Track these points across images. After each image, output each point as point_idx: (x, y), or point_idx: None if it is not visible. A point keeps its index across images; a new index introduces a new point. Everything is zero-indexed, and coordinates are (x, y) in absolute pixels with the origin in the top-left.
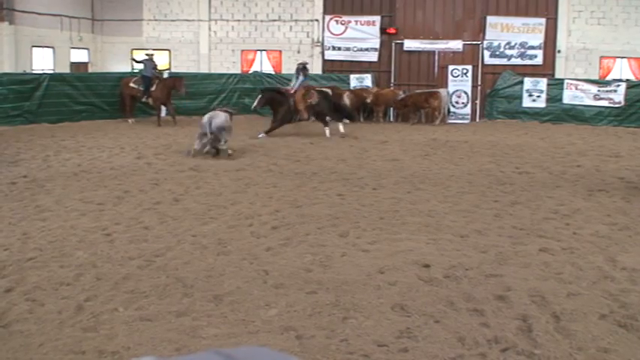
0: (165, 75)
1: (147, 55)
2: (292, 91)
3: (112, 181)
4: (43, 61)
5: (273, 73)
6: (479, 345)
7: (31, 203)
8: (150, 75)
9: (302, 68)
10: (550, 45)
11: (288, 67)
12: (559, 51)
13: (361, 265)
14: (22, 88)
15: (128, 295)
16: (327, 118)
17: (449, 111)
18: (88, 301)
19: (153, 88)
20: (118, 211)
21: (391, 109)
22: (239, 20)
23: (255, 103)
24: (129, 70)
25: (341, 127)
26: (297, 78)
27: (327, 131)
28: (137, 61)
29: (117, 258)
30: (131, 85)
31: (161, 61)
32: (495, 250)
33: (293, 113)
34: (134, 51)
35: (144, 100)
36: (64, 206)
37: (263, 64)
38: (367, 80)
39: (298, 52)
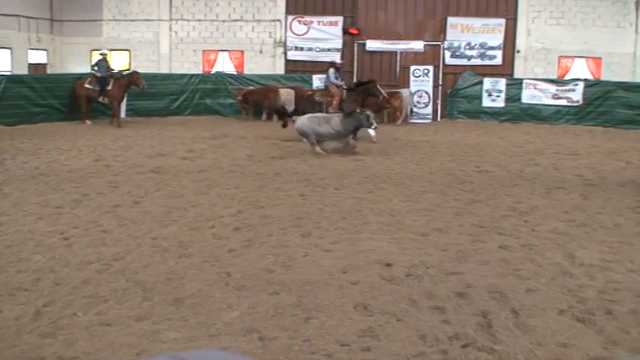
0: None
1: (101, 54)
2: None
3: (70, 184)
4: (0, 63)
5: (235, 73)
6: (440, 342)
7: None
8: (104, 75)
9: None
10: (509, 45)
11: (251, 68)
12: (518, 51)
13: (323, 265)
14: None
15: (87, 300)
16: None
17: (412, 111)
18: (47, 306)
19: (109, 88)
20: (76, 214)
21: None
22: (200, 20)
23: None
24: (88, 71)
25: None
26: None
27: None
28: (93, 67)
29: (75, 262)
30: (86, 85)
31: (121, 61)
32: (456, 248)
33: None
34: (93, 52)
35: (100, 100)
36: (22, 210)
37: (225, 65)
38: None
39: (260, 52)
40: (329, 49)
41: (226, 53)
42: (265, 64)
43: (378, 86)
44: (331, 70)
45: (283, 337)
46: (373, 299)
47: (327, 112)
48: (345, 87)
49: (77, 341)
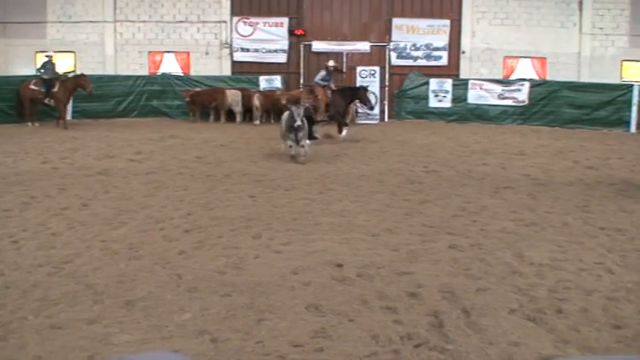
0: (69, 76)
1: (46, 56)
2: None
3: (18, 186)
4: None
5: (181, 74)
6: (392, 342)
7: None
8: (51, 76)
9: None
10: (455, 46)
11: (197, 69)
12: (463, 52)
13: (275, 266)
14: None
15: (38, 303)
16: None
17: (357, 112)
18: None
19: (55, 89)
20: (25, 217)
21: None
22: (145, 21)
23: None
24: (33, 73)
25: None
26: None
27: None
28: (39, 69)
29: (25, 265)
30: (31, 87)
31: (67, 63)
32: (406, 248)
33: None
34: (38, 54)
35: (46, 102)
36: None
37: (171, 66)
38: (277, 82)
39: (207, 53)
40: (275, 50)
41: (172, 55)
42: (212, 66)
43: (369, 94)
44: (322, 72)
45: (236, 339)
46: (325, 300)
47: (314, 115)
48: (332, 89)
49: (28, 345)
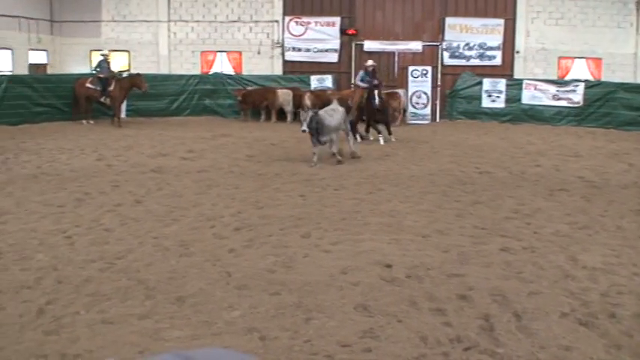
0: (125, 75)
1: (102, 55)
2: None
3: (73, 183)
4: (1, 63)
5: (233, 74)
6: (441, 344)
7: None
8: (107, 75)
9: (372, 70)
10: (509, 46)
11: (249, 69)
12: (517, 52)
13: (324, 265)
14: None
15: (90, 298)
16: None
17: (404, 111)
18: (50, 304)
19: (110, 88)
20: (79, 213)
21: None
22: (198, 21)
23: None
24: (88, 71)
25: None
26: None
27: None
28: (95, 67)
29: (78, 261)
30: (87, 85)
31: (121, 62)
32: (457, 250)
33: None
34: (93, 52)
35: (101, 100)
36: (24, 209)
37: (223, 66)
38: (328, 81)
39: (258, 53)
40: (327, 50)
41: (224, 54)
42: (263, 65)
43: (376, 92)
44: (360, 72)
45: (284, 338)
46: (374, 300)
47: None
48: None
49: (80, 339)
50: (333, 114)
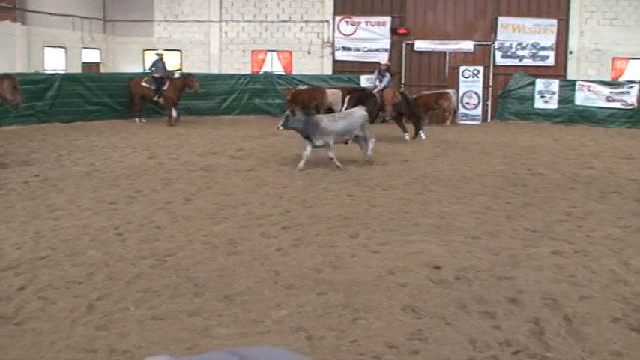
0: (177, 75)
1: (157, 55)
2: (376, 91)
3: (125, 180)
4: (55, 61)
5: (283, 73)
6: (490, 347)
7: (44, 202)
8: (162, 75)
9: (386, 69)
10: (562, 46)
11: (299, 68)
12: (571, 52)
13: (372, 265)
14: (35, 88)
15: (140, 294)
16: (403, 119)
17: (455, 111)
18: (100, 299)
19: (165, 88)
20: (130, 210)
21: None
22: (249, 21)
23: (345, 105)
24: (140, 70)
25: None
26: (382, 79)
27: (407, 136)
28: (150, 67)
29: (129, 257)
30: (142, 84)
31: (172, 61)
32: (507, 252)
33: (379, 111)
34: (145, 52)
35: (155, 99)
36: (77, 205)
37: (273, 65)
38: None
39: (309, 52)
40: (377, 50)
41: (275, 54)
42: (313, 65)
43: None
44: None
45: (331, 337)
46: (422, 302)
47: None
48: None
49: (130, 334)
50: (339, 119)
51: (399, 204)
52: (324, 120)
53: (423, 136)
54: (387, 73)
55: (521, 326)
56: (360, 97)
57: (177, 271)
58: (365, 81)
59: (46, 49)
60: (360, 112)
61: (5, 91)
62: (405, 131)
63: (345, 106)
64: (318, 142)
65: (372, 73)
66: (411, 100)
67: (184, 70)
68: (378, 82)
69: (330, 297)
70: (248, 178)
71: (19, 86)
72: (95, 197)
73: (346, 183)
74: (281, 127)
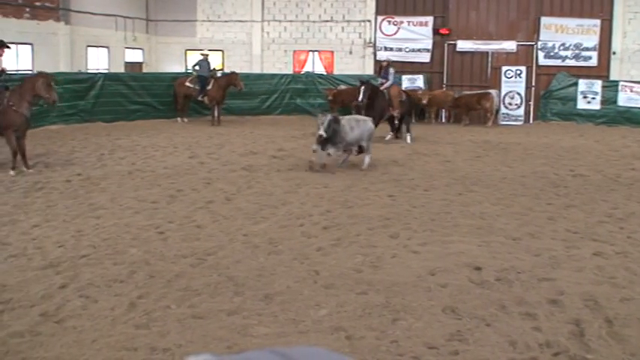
0: (219, 75)
1: (202, 55)
2: (383, 88)
3: (166, 180)
4: (97, 61)
5: (325, 73)
6: (530, 349)
7: (86, 201)
8: (206, 75)
9: (387, 66)
10: (605, 46)
11: (341, 68)
12: (614, 53)
13: (412, 266)
14: (78, 87)
15: (180, 293)
16: (405, 119)
17: (497, 112)
18: (141, 298)
19: (209, 88)
20: (171, 209)
21: (443, 110)
22: (291, 21)
23: (360, 96)
24: (183, 70)
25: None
26: (388, 76)
27: (409, 137)
28: (194, 66)
29: (170, 256)
30: (187, 84)
31: (215, 61)
32: (548, 254)
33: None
34: (188, 51)
35: (199, 99)
36: (119, 204)
37: (315, 65)
38: (419, 81)
39: (350, 52)
40: (419, 50)
41: (316, 53)
42: (355, 65)
43: (362, 88)
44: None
45: (371, 337)
46: (462, 303)
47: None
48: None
49: (170, 333)
50: (354, 128)
51: (440, 204)
52: (346, 127)
53: (409, 139)
54: (391, 69)
55: (561, 328)
56: (374, 88)
57: (217, 270)
58: (407, 81)
59: (88, 48)
60: (370, 123)
61: (40, 89)
62: (392, 130)
63: (361, 96)
64: (331, 150)
65: (413, 73)
66: (413, 102)
67: (226, 70)
68: (383, 80)
69: (369, 297)
70: (288, 177)
71: (53, 84)
72: (136, 196)
73: (387, 183)
74: (324, 134)
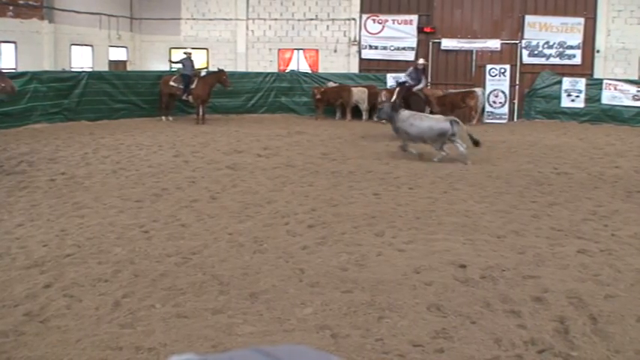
0: (203, 73)
1: (185, 53)
2: (416, 89)
3: (150, 178)
4: (81, 59)
5: (310, 72)
6: (515, 346)
7: (70, 200)
8: (189, 73)
9: (422, 69)
10: (589, 45)
11: (325, 67)
12: (598, 51)
13: (397, 264)
14: (62, 86)
15: (165, 292)
16: None
17: (483, 110)
18: (126, 297)
19: (193, 86)
20: (156, 208)
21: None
22: (276, 19)
23: (394, 97)
24: (167, 68)
25: None
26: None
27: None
28: (175, 62)
29: (154, 255)
30: (171, 83)
31: (199, 59)
32: (533, 252)
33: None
34: (172, 50)
35: (184, 98)
36: (103, 203)
37: (300, 63)
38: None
39: (335, 51)
40: (404, 48)
41: (301, 52)
42: (340, 63)
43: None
44: (409, 69)
45: (356, 336)
46: (447, 300)
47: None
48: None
49: (154, 332)
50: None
51: (425, 203)
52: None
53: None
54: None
55: (546, 325)
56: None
57: (202, 269)
58: (392, 80)
59: (72, 47)
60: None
61: None
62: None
63: (394, 96)
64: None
65: (397, 71)
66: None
67: (210, 69)
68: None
69: (355, 295)
70: (273, 176)
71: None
72: (121, 195)
73: (372, 181)
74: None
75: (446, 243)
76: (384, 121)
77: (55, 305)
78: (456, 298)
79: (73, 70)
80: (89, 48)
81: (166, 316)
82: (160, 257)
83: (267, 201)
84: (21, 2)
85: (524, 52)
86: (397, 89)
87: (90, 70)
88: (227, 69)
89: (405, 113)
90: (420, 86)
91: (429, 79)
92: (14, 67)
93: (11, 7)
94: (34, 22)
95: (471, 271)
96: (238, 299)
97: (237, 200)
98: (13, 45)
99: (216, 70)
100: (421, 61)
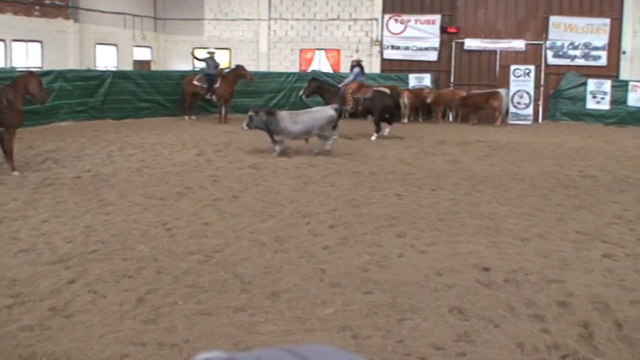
0: (225, 71)
1: (209, 53)
2: (341, 85)
3: (174, 177)
4: (106, 59)
5: (331, 72)
6: (538, 351)
7: (95, 197)
8: (213, 73)
9: (356, 65)
10: (614, 46)
11: (347, 67)
12: (624, 52)
13: (419, 266)
14: (87, 85)
15: (188, 289)
16: (373, 117)
17: (507, 111)
18: (149, 294)
19: (216, 86)
20: (179, 206)
21: (450, 109)
22: (298, 19)
23: (301, 92)
24: (190, 68)
25: (387, 130)
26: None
27: (374, 137)
28: (198, 59)
29: (177, 252)
30: (194, 82)
31: (222, 59)
32: (558, 255)
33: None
34: (196, 50)
35: (207, 97)
36: (127, 201)
37: (321, 63)
38: (426, 80)
39: (357, 51)
40: (426, 48)
41: (323, 52)
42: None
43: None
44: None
45: (377, 337)
46: (469, 304)
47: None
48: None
49: (177, 329)
50: (300, 119)
51: (448, 204)
52: (286, 119)
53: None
54: (355, 69)
55: (570, 330)
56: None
57: (224, 267)
58: (414, 80)
59: (97, 46)
60: (326, 112)
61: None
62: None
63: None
64: (277, 138)
65: (420, 72)
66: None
67: (233, 66)
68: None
69: (376, 296)
70: (295, 176)
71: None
72: (145, 193)
73: (394, 182)
74: (245, 127)
75: (469, 245)
76: (246, 128)
77: (79, 301)
78: (479, 302)
79: (98, 69)
80: (114, 47)
81: (189, 313)
82: (182, 255)
83: (289, 200)
84: (47, 2)
85: (549, 53)
86: (306, 85)
87: (115, 69)
88: (249, 69)
89: (283, 114)
90: (346, 82)
91: (453, 80)
92: (40, 65)
93: (37, 7)
94: (60, 22)
95: (494, 274)
96: (260, 298)
97: (259, 199)
98: (39, 44)
99: (233, 67)
100: (354, 57)
